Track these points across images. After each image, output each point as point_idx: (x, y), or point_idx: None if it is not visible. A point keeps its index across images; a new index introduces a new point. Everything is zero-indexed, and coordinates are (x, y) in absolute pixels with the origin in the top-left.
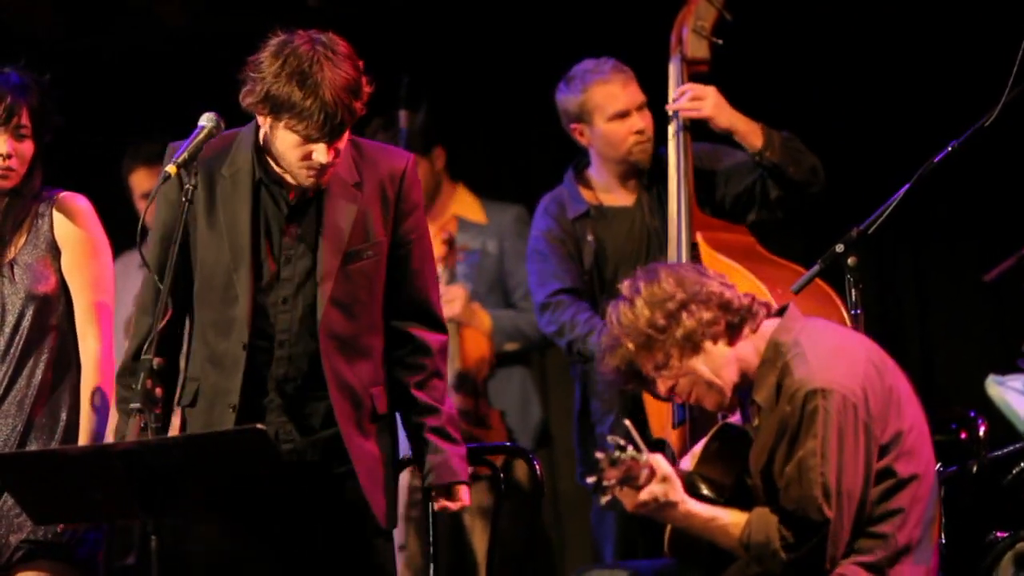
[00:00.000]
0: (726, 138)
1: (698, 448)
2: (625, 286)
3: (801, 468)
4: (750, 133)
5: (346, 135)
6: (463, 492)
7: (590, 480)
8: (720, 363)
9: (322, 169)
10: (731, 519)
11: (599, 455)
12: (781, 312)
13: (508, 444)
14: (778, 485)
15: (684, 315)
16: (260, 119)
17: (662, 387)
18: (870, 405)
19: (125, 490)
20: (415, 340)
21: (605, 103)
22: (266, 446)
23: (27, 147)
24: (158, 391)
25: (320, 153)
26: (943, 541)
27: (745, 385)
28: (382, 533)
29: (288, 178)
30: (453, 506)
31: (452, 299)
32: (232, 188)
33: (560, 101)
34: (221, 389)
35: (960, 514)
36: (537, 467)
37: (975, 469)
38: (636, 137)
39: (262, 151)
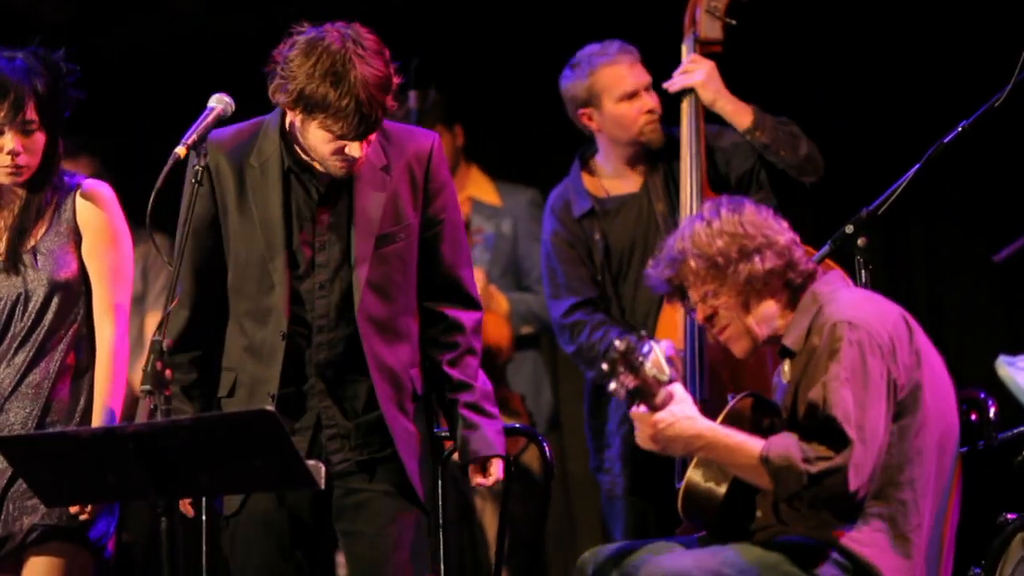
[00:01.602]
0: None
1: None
2: (707, 207)
3: (825, 391)
4: (737, 113)
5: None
6: (498, 467)
7: (604, 366)
8: (766, 317)
9: (355, 161)
10: (751, 439)
11: (616, 342)
12: None
13: (518, 426)
14: (799, 411)
15: (757, 259)
16: (291, 115)
17: (700, 314)
18: (896, 354)
19: (137, 472)
20: (448, 319)
21: (613, 85)
22: (276, 428)
23: (37, 140)
24: (168, 373)
25: (353, 149)
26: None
27: (778, 338)
28: (421, 511)
29: (318, 166)
30: (487, 481)
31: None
32: (262, 178)
33: (566, 88)
34: (260, 378)
35: (970, 495)
36: (548, 450)
37: (985, 450)
38: (646, 117)
39: (290, 139)
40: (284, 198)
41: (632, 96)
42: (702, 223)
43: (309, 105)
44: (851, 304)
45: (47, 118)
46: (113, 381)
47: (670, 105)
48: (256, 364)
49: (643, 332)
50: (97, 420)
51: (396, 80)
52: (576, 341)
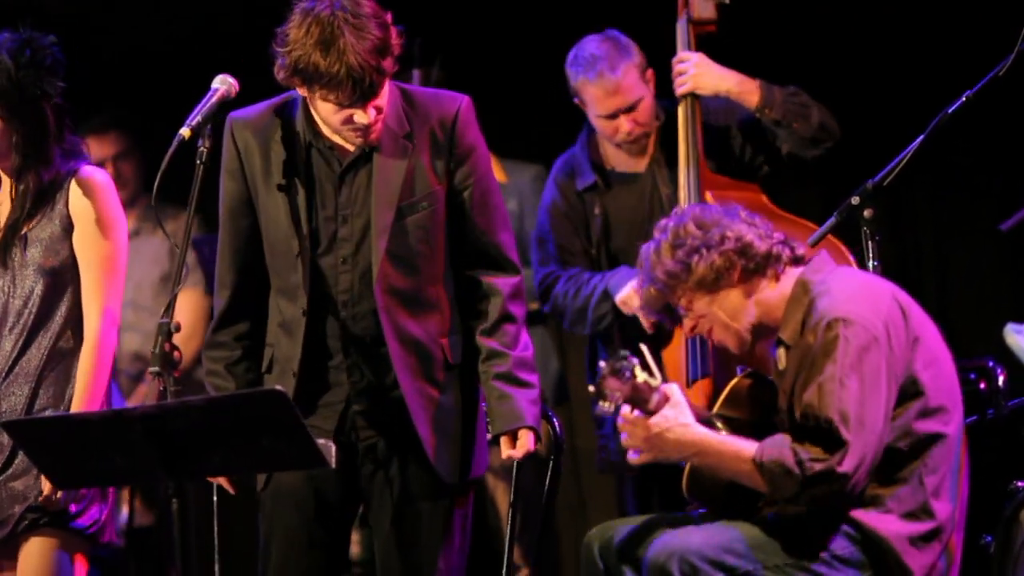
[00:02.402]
0: None
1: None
2: (658, 227)
3: (819, 392)
4: (744, 93)
5: (385, 91)
6: (528, 438)
7: (591, 389)
8: (736, 307)
9: (367, 129)
10: (744, 443)
11: (601, 364)
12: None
13: None
14: (796, 413)
15: (695, 259)
16: (299, 90)
17: (686, 325)
18: (892, 344)
19: (146, 454)
20: (482, 286)
21: (592, 103)
22: (286, 408)
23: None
24: (176, 355)
25: (360, 116)
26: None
27: (770, 329)
28: (447, 490)
29: (338, 140)
30: (517, 453)
31: None
32: (286, 154)
33: (566, 72)
34: (288, 356)
35: (980, 465)
36: (557, 425)
37: (995, 419)
38: (624, 136)
39: (309, 115)
40: (306, 174)
41: (612, 116)
42: (652, 247)
43: (305, 76)
44: (844, 296)
45: (8, 109)
46: (97, 368)
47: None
48: (287, 341)
49: (624, 352)
50: (78, 405)
51: (396, 40)
52: (553, 294)
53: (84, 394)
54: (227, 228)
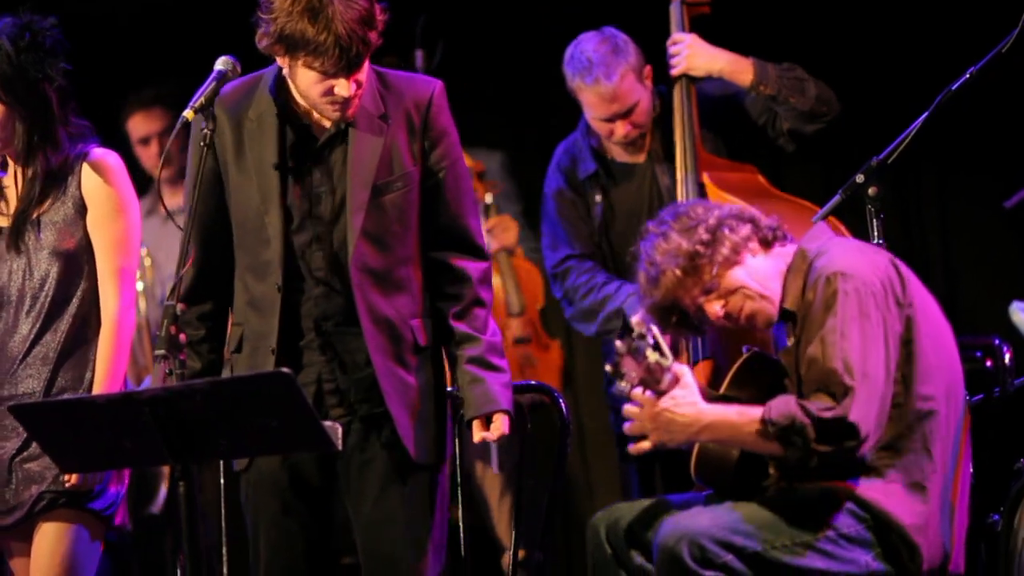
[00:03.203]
0: None
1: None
2: (651, 226)
3: (822, 345)
4: (737, 72)
5: (366, 66)
6: (502, 421)
7: (608, 369)
8: (765, 274)
9: (346, 102)
10: (752, 408)
11: (618, 343)
12: None
13: (533, 383)
14: (802, 370)
15: (724, 232)
16: (279, 60)
17: (712, 311)
18: (889, 302)
19: (153, 436)
20: (454, 269)
21: (589, 107)
22: (293, 390)
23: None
24: (182, 337)
25: (341, 87)
26: (971, 470)
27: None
28: (424, 468)
29: (314, 115)
30: (491, 436)
31: (507, 227)
32: (258, 131)
33: (564, 70)
34: (261, 332)
35: (987, 442)
36: (564, 407)
37: (1001, 397)
38: (619, 139)
39: (285, 91)
40: (279, 151)
41: (608, 119)
42: (658, 238)
43: (290, 44)
44: (842, 255)
45: (11, 94)
46: (115, 350)
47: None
48: (258, 318)
49: (637, 324)
50: (99, 388)
51: (381, 16)
52: (564, 286)
53: (105, 377)
54: (188, 204)
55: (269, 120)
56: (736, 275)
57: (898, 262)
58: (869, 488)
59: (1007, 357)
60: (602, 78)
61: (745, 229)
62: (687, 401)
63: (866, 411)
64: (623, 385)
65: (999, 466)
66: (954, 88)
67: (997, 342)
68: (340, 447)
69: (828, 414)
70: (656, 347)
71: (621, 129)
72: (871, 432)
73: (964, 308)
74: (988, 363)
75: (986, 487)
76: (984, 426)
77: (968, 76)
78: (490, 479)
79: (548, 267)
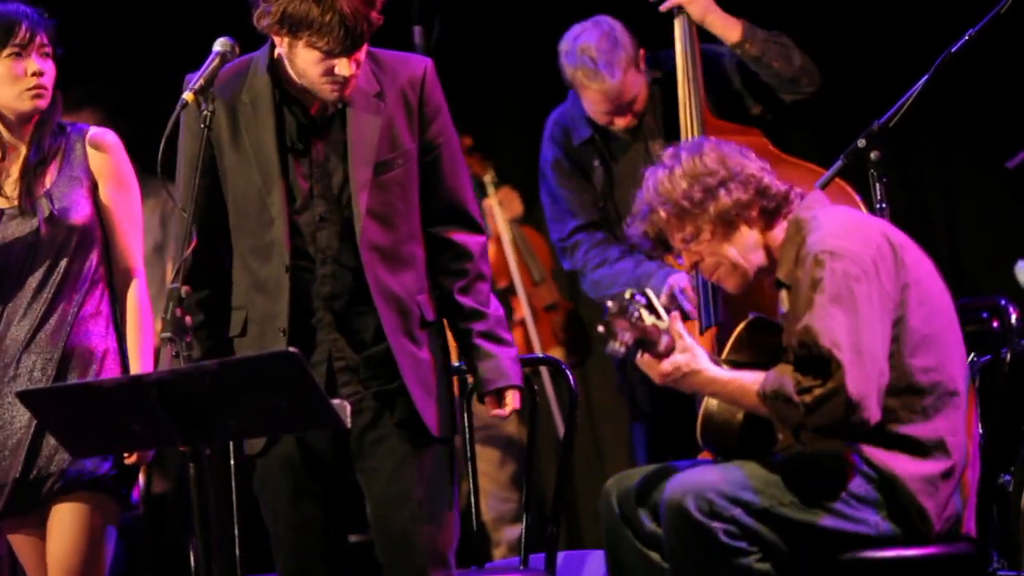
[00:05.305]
0: None
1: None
2: (667, 154)
3: (810, 322)
4: (727, 28)
5: (365, 46)
6: (515, 396)
7: (600, 329)
8: (749, 246)
9: (345, 82)
10: (752, 377)
11: (609, 303)
12: None
13: (542, 356)
14: (793, 345)
15: (722, 192)
16: (277, 39)
17: (687, 260)
18: (882, 278)
19: (162, 419)
20: (455, 245)
21: (589, 102)
22: (300, 369)
23: (51, 67)
24: (188, 320)
25: (343, 67)
26: (979, 431)
27: (770, 272)
28: (439, 442)
29: (309, 96)
30: (504, 412)
31: (512, 197)
32: (254, 113)
33: (560, 60)
34: (269, 314)
35: (994, 404)
36: (572, 379)
37: (1008, 358)
38: (619, 129)
39: (279, 72)
40: (277, 131)
41: (604, 112)
42: (664, 171)
43: (293, 24)
44: (832, 231)
45: (55, 52)
46: (143, 330)
47: (663, 27)
48: (264, 300)
49: (629, 292)
50: (135, 362)
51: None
52: (574, 259)
53: (139, 359)
54: (182, 187)
55: (265, 102)
56: (718, 240)
57: (892, 232)
58: (878, 451)
59: (1013, 317)
60: (607, 77)
61: (746, 196)
62: (692, 369)
63: (859, 388)
64: (615, 345)
65: (1008, 427)
66: (953, 50)
67: (1003, 302)
68: (348, 425)
69: (818, 391)
70: (651, 309)
71: (622, 121)
72: (867, 410)
73: (969, 270)
74: (994, 324)
75: (995, 448)
76: (992, 387)
77: (967, 38)
78: (486, 459)
79: (555, 240)
